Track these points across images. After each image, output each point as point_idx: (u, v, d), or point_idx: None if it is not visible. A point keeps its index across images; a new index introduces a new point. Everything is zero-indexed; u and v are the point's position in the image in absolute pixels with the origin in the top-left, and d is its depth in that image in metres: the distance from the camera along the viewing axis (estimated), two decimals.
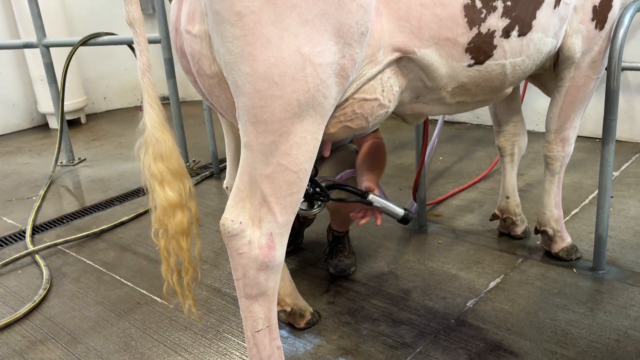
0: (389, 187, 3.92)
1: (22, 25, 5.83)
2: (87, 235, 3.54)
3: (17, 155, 5.48)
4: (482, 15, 1.79)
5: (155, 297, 2.80)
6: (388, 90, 1.80)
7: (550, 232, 2.75)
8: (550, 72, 2.49)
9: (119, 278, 3.02)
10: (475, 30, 1.79)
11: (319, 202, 2.26)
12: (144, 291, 2.87)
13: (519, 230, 3.01)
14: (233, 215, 1.68)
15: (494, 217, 3.06)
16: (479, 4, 1.77)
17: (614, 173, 3.78)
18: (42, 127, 6.45)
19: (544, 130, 2.67)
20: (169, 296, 1.95)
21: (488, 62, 1.90)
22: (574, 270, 2.70)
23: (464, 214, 3.42)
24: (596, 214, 2.62)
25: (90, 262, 3.22)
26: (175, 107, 4.57)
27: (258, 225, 1.69)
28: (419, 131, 3.03)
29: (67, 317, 2.69)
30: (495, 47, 1.87)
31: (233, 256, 1.73)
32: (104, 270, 3.12)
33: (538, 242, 2.97)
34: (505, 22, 1.86)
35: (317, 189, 2.23)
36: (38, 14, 4.63)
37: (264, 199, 1.66)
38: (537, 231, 2.84)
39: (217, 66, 1.61)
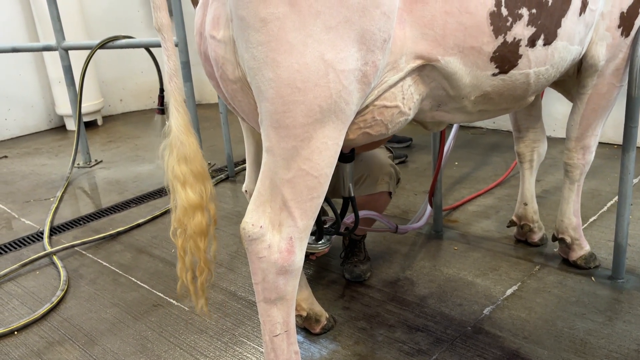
0: (404, 192, 3.92)
1: (42, 28, 5.90)
2: (103, 237, 3.57)
3: (35, 156, 5.54)
4: (508, 24, 1.78)
5: (171, 300, 2.81)
6: (409, 98, 1.80)
7: (569, 239, 2.73)
8: (573, 78, 2.47)
9: (135, 280, 3.04)
10: (500, 39, 1.78)
11: (327, 237, 2.26)
12: (160, 294, 2.89)
13: (537, 237, 2.99)
14: (253, 219, 1.68)
15: (512, 223, 3.05)
16: (504, 12, 1.76)
17: (633, 180, 3.73)
18: (60, 128, 6.51)
19: (561, 136, 2.66)
20: (183, 297, 1.96)
21: (512, 72, 1.88)
22: (593, 278, 2.68)
23: (480, 220, 3.40)
24: (616, 221, 2.59)
25: (107, 264, 3.25)
26: (191, 110, 4.59)
27: (278, 230, 1.70)
28: (435, 136, 3.03)
29: (84, 318, 2.71)
30: (520, 56, 1.86)
31: (252, 260, 1.73)
32: (120, 272, 3.15)
33: (555, 250, 2.94)
34: (531, 30, 1.84)
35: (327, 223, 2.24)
36: (57, 17, 4.68)
37: (284, 203, 1.67)
38: (554, 239, 2.81)
39: (240, 71, 1.62)
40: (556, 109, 4.53)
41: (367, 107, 1.75)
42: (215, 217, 1.84)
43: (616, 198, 3.46)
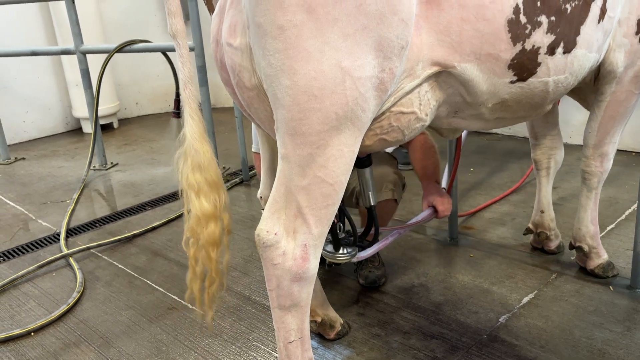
0: (418, 198, 3.88)
1: (60, 32, 5.97)
2: (119, 240, 3.59)
3: (51, 158, 5.60)
4: (527, 31, 1.76)
5: (186, 303, 2.82)
6: (425, 104, 1.79)
7: (586, 248, 2.70)
8: (590, 85, 2.45)
9: (150, 283, 3.06)
10: (519, 47, 1.77)
11: (349, 249, 2.25)
12: (175, 297, 2.90)
13: (553, 245, 2.96)
14: (268, 226, 1.69)
15: (528, 231, 3.02)
16: (523, 19, 1.75)
17: None
18: (76, 131, 6.57)
19: (577, 142, 2.64)
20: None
21: (531, 80, 1.87)
22: (611, 287, 2.64)
23: (496, 227, 3.38)
24: (635, 230, 2.56)
25: (122, 267, 3.27)
26: (207, 114, 4.62)
27: (293, 237, 1.70)
28: (451, 142, 3.01)
29: (100, 320, 2.73)
30: (539, 64, 1.85)
31: (267, 267, 1.73)
32: (135, 274, 3.16)
33: (572, 258, 2.91)
34: (551, 38, 1.82)
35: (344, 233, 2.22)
36: (76, 21, 4.73)
37: (299, 210, 1.67)
38: (572, 247, 2.78)
39: (257, 79, 1.62)
40: (573, 116, 4.48)
41: (383, 113, 1.74)
42: (228, 227, 1.84)
43: (635, 206, 3.43)
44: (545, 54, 1.85)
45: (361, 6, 1.48)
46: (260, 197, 2.21)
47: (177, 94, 4.96)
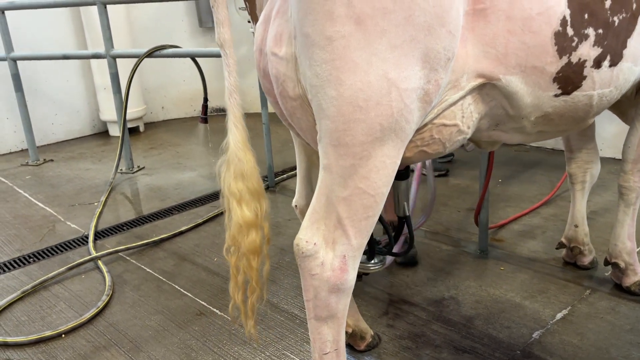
0: (447, 209, 3.86)
1: (90, 36, 6.05)
2: (146, 244, 3.61)
3: (79, 160, 5.66)
4: (574, 44, 1.74)
5: (215, 309, 2.82)
6: (468, 117, 1.77)
7: (622, 264, 2.65)
8: (631, 99, 2.40)
9: (178, 288, 3.07)
10: (565, 59, 1.74)
11: (380, 257, 2.24)
12: (203, 302, 2.90)
13: (587, 260, 2.91)
14: (308, 236, 1.68)
15: (561, 245, 2.97)
16: (570, 32, 1.72)
17: None
18: (103, 134, 6.65)
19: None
20: (232, 312, 1.96)
21: (575, 93, 1.84)
22: None
23: (527, 240, 3.33)
24: None
25: (150, 271, 3.28)
26: None
27: (332, 247, 1.69)
28: (484, 154, 2.98)
29: (129, 324, 2.74)
30: (584, 77, 1.81)
31: (305, 277, 1.72)
32: (163, 279, 3.18)
33: (606, 274, 2.86)
34: (597, 51, 1.79)
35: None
36: (107, 26, 4.79)
37: (339, 221, 1.65)
38: (607, 263, 2.73)
39: (301, 89, 1.62)
40: (604, 128, 4.42)
41: (425, 125, 1.73)
42: (268, 235, 1.84)
43: None
44: (592, 67, 1.82)
45: (410, 18, 1.47)
46: (295, 205, 2.20)
47: (205, 99, 4.99)
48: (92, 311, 2.83)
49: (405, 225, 2.25)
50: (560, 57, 1.74)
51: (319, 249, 1.68)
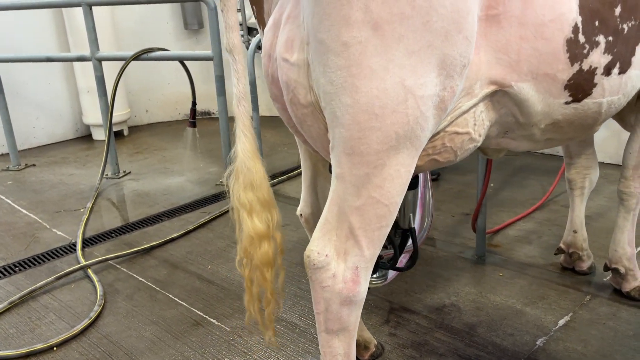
0: (441, 214, 3.85)
1: (73, 38, 5.93)
2: (137, 251, 3.52)
3: (62, 165, 5.53)
4: (585, 51, 1.72)
5: (212, 319, 2.76)
6: (480, 124, 1.74)
7: (622, 270, 2.65)
8: (631, 105, 2.40)
9: (172, 297, 2.99)
10: (576, 67, 1.72)
11: (382, 272, 2.19)
12: (199, 312, 2.83)
13: (585, 265, 2.91)
14: (319, 247, 1.63)
15: (560, 251, 2.97)
16: (582, 39, 1.70)
17: None
18: (86, 138, 6.51)
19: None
20: (248, 324, 1.91)
21: (586, 101, 1.82)
22: None
23: (523, 245, 3.32)
24: None
25: (142, 279, 3.20)
26: (224, 124, 4.58)
27: (343, 259, 1.64)
28: (482, 159, 2.96)
29: (124, 335, 2.66)
30: (595, 85, 1.80)
31: (316, 289, 1.68)
32: (156, 288, 3.10)
33: (605, 279, 2.86)
34: (608, 58, 1.78)
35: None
36: (93, 28, 4.68)
37: (351, 231, 1.61)
38: (607, 268, 2.73)
39: (313, 96, 1.57)
40: (597, 134, 4.44)
41: (438, 133, 1.69)
42: (281, 246, 1.78)
43: None
44: (602, 74, 1.80)
45: (427, 23, 1.43)
46: (300, 214, 2.15)
47: (194, 104, 4.92)
48: (85, 322, 2.74)
49: (410, 238, 2.20)
50: (572, 64, 1.72)
51: (330, 260, 1.63)
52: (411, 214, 2.13)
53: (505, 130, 1.88)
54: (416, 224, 2.26)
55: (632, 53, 1.86)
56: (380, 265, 2.18)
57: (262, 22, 1.80)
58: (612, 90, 1.87)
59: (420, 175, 2.70)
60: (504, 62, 1.65)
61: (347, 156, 1.53)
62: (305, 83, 1.57)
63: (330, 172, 1.96)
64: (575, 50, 1.71)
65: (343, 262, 1.64)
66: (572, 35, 1.69)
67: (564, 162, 3.94)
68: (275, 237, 1.75)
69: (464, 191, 4.21)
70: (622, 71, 1.86)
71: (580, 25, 1.70)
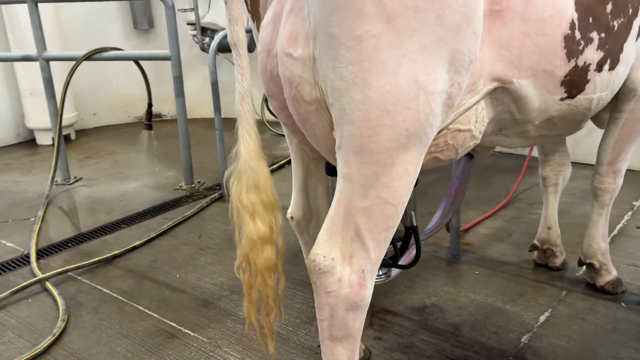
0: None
1: (14, 37, 5.59)
2: (98, 261, 3.33)
3: (5, 172, 5.20)
4: (580, 47, 1.73)
5: (187, 331, 2.63)
6: (480, 122, 1.72)
7: (597, 264, 2.70)
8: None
9: (142, 309, 2.83)
10: (572, 63, 1.73)
11: (384, 270, 2.15)
12: (172, 323, 2.69)
13: (559, 261, 2.96)
14: (325, 251, 1.56)
15: (534, 247, 3.00)
16: (578, 35, 1.71)
17: (634, 203, 3.79)
18: (29, 142, 6.15)
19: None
20: (248, 333, 1.82)
21: (579, 97, 1.84)
22: (623, 304, 2.65)
23: (495, 243, 3.36)
24: None
25: (107, 291, 3.02)
26: (182, 126, 4.42)
27: (349, 262, 1.58)
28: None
29: (93, 352, 2.50)
30: (588, 81, 1.82)
31: (320, 295, 1.60)
32: (123, 299, 2.93)
33: (577, 274, 2.92)
34: (600, 55, 1.80)
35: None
36: (39, 26, 4.42)
37: (357, 233, 1.55)
38: (581, 263, 2.78)
39: (318, 92, 1.50)
40: None
41: (441, 130, 1.66)
42: (282, 250, 1.70)
43: (624, 221, 3.50)
44: (595, 70, 1.82)
45: (440, 17, 1.39)
46: (291, 217, 2.06)
47: (150, 105, 4.73)
48: (48, 339, 2.55)
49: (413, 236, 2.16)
50: (569, 61, 1.73)
51: (336, 264, 1.57)
52: (412, 212, 2.09)
53: (500, 128, 1.87)
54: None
55: (621, 50, 1.89)
56: (383, 262, 2.13)
57: (257, 16, 1.71)
58: (602, 87, 1.89)
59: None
60: (506, 59, 1.64)
61: (355, 155, 1.47)
62: (310, 79, 1.49)
63: (327, 173, 1.91)
64: (572, 47, 1.72)
65: (349, 266, 1.58)
66: (570, 32, 1.70)
67: (525, 160, 4.07)
68: (277, 242, 1.67)
69: (430, 190, 4.22)
70: (612, 67, 1.88)
71: (576, 21, 1.71)
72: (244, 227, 1.61)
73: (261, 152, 1.61)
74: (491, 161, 4.90)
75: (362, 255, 1.57)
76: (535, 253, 3.04)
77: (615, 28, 1.83)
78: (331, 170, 1.87)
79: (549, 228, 2.93)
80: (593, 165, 4.05)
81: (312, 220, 2.02)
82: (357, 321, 1.64)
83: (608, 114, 2.50)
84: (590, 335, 2.45)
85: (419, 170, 1.56)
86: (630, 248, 3.18)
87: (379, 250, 1.59)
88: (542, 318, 2.59)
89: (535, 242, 3.00)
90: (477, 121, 1.71)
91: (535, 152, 4.24)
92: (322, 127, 1.56)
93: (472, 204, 3.96)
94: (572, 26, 1.70)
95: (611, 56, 1.86)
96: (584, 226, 3.23)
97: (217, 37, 4.16)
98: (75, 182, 4.81)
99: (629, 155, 2.53)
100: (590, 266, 2.74)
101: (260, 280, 1.66)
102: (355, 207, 1.52)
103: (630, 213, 3.63)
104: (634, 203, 3.78)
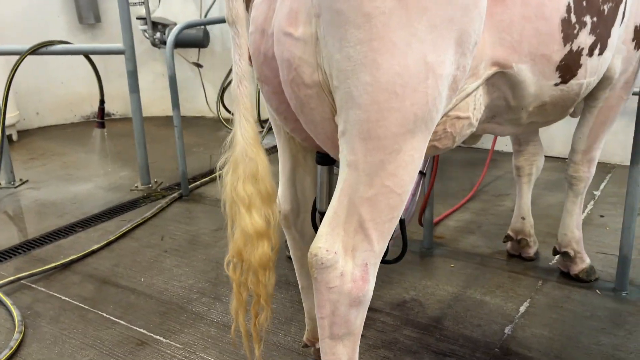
0: None
1: None
2: (54, 267, 3.11)
3: None
4: (575, 31, 1.71)
5: (158, 337, 2.47)
6: (478, 109, 1.68)
7: (572, 253, 2.73)
8: None
9: (107, 316, 2.65)
10: (568, 47, 1.71)
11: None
12: (142, 330, 2.53)
13: (532, 251, 2.98)
14: (328, 244, 1.47)
15: (508, 238, 3.01)
16: (573, 19, 1.69)
17: (595, 192, 3.88)
18: None
19: None
20: (234, 335, 1.70)
21: (571, 82, 1.82)
22: (597, 291, 2.69)
23: (466, 235, 3.35)
24: (621, 234, 2.62)
25: (67, 298, 2.82)
26: (138, 123, 4.23)
27: (351, 255, 1.50)
28: None
29: None
30: (580, 65, 1.80)
31: (321, 290, 1.51)
32: (85, 307, 2.74)
33: (550, 263, 2.94)
34: (592, 39, 1.79)
35: None
36: None
37: (360, 224, 1.47)
38: (556, 252, 2.81)
39: (320, 74, 1.41)
40: None
41: (441, 117, 1.60)
42: (277, 246, 1.58)
43: (587, 210, 3.57)
44: (587, 55, 1.81)
45: None
46: (279, 211, 1.95)
47: (102, 102, 4.50)
48: (5, 354, 2.34)
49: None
50: (565, 45, 1.71)
51: (338, 257, 1.48)
52: None
53: (492, 115, 1.83)
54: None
55: (609, 35, 1.89)
56: None
57: None
58: (592, 72, 1.89)
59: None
60: (506, 43, 1.60)
61: (362, 141, 1.39)
62: (312, 60, 1.40)
63: (318, 162, 1.81)
64: (567, 30, 1.70)
65: (351, 259, 1.49)
66: (566, 15, 1.68)
67: (489, 153, 4.11)
68: (272, 236, 1.56)
69: None
70: (601, 52, 1.88)
71: (572, 4, 1.69)
72: (239, 220, 1.49)
73: (259, 140, 1.50)
74: (450, 155, 4.91)
75: (366, 248, 1.49)
76: (509, 244, 3.05)
77: (605, 12, 1.83)
78: (323, 160, 1.79)
79: (523, 218, 2.94)
80: (554, 157, 4.14)
81: (300, 214, 1.93)
82: (359, 318, 1.56)
83: (583, 102, 2.52)
84: (570, 323, 2.46)
85: (422, 157, 1.49)
86: (597, 236, 3.25)
87: (383, 242, 1.51)
88: (522, 308, 2.59)
89: (510, 232, 3.01)
90: (475, 108, 1.66)
91: (497, 146, 4.31)
92: (322, 112, 1.47)
93: (437, 198, 3.94)
94: (568, 9, 1.68)
95: (601, 41, 1.85)
96: (552, 217, 3.28)
97: (174, 31, 4.00)
98: (20, 184, 4.51)
99: (603, 143, 2.57)
100: (565, 255, 2.76)
101: (252, 278, 1.55)
102: (360, 196, 1.44)
103: (592, 202, 3.71)
104: (595, 192, 3.87)
